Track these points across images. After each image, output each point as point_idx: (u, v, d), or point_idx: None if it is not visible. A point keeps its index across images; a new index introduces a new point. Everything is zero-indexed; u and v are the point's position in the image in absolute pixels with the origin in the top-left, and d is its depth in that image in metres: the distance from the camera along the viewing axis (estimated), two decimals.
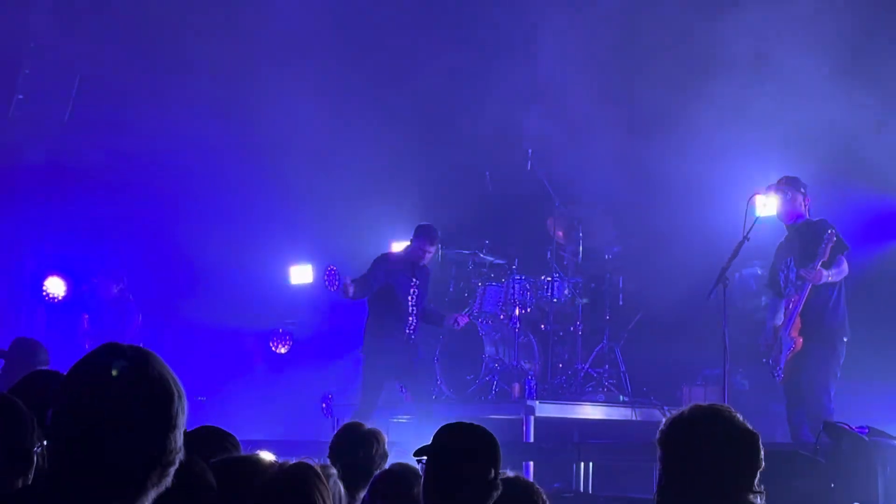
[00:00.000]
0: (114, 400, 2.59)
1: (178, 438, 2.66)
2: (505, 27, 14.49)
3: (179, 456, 2.67)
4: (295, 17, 14.98)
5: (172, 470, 2.67)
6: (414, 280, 12.91)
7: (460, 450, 4.98)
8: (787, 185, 10.78)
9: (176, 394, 2.66)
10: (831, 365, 10.48)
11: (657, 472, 4.10)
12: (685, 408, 4.19)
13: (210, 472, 3.61)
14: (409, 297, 12.91)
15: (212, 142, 16.36)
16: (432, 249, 12.98)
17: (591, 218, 14.73)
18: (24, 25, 15.85)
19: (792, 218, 10.87)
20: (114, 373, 2.60)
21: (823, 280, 10.46)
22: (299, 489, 3.81)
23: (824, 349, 10.53)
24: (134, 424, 2.59)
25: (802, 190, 10.84)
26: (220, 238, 16.79)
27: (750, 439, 4.08)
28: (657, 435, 4.12)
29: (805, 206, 10.87)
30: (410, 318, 12.92)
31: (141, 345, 2.71)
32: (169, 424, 2.64)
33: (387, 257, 13.34)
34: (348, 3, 15.55)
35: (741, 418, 4.12)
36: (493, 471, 4.96)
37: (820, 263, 10.42)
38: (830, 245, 10.40)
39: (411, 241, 13.01)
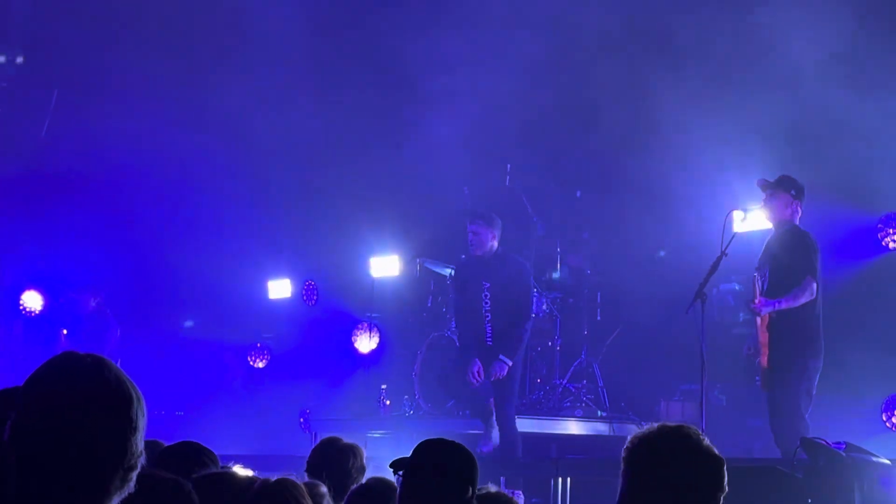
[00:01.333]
0: (73, 406, 2.61)
1: (139, 442, 2.68)
2: (478, 41, 14.51)
3: (141, 459, 2.69)
4: (277, 31, 14.97)
5: (134, 474, 2.68)
6: (485, 283, 12.08)
7: (437, 465, 4.98)
8: (776, 186, 10.55)
9: (134, 397, 2.68)
10: (800, 385, 10.20)
11: (619, 487, 4.09)
12: (653, 425, 4.17)
13: (195, 493, 3.61)
14: (483, 302, 12.12)
15: (190, 156, 16.34)
16: (471, 227, 12.01)
17: (572, 243, 14.81)
18: (2, 40, 15.83)
19: (774, 219, 10.67)
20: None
21: (765, 312, 10.35)
22: None
23: (792, 369, 10.25)
24: (94, 429, 2.61)
25: (792, 192, 10.51)
26: (198, 252, 16.76)
27: (715, 464, 4.05)
28: (623, 451, 4.11)
29: (792, 208, 10.54)
30: (487, 326, 12.08)
31: (119, 360, 2.74)
32: (129, 427, 2.65)
33: (454, 272, 12.78)
34: (331, 16, 15.55)
35: (707, 442, 4.10)
36: (469, 487, 4.96)
37: (758, 299, 10.36)
38: (759, 289, 10.38)
39: None
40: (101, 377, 2.66)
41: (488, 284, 12.09)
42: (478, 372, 11.90)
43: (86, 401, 2.62)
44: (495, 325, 12.10)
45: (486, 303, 12.11)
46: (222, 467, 4.99)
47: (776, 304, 10.27)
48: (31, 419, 2.63)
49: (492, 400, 12.17)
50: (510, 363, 11.94)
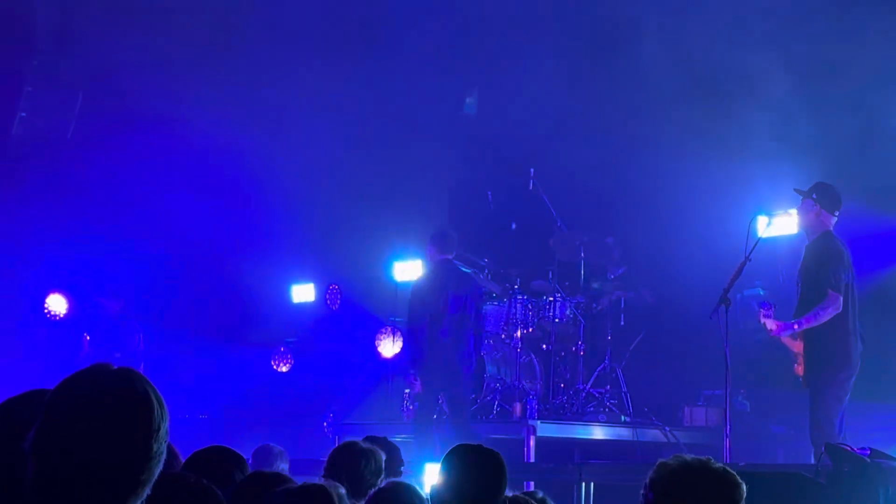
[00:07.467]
0: (96, 418, 2.62)
1: (160, 452, 2.68)
2: (507, 51, 14.51)
3: (158, 468, 2.69)
4: (301, 39, 14.99)
5: (152, 479, 2.68)
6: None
7: (468, 470, 5.01)
8: (805, 193, 10.48)
9: (160, 412, 2.69)
10: (828, 394, 10.16)
11: None
12: (672, 459, 4.14)
13: (218, 492, 3.64)
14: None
15: (214, 161, 16.37)
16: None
17: (594, 241, 14.72)
18: (28, 43, 15.89)
19: (802, 227, 10.63)
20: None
21: (784, 335, 10.32)
22: None
23: (822, 380, 10.20)
24: (115, 442, 2.62)
25: (814, 195, 10.44)
26: (222, 256, 16.79)
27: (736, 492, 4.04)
28: (647, 482, 4.08)
29: (818, 213, 10.46)
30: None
31: (142, 365, 2.74)
32: (149, 442, 2.66)
33: None
34: (353, 20, 15.57)
35: (725, 470, 4.07)
36: (500, 490, 4.99)
37: (775, 325, 10.32)
38: (770, 315, 10.34)
39: None
40: (126, 392, 2.66)
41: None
42: None
43: (108, 415, 2.62)
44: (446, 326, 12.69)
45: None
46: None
47: (793, 328, 10.25)
48: (52, 427, 2.64)
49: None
50: None
